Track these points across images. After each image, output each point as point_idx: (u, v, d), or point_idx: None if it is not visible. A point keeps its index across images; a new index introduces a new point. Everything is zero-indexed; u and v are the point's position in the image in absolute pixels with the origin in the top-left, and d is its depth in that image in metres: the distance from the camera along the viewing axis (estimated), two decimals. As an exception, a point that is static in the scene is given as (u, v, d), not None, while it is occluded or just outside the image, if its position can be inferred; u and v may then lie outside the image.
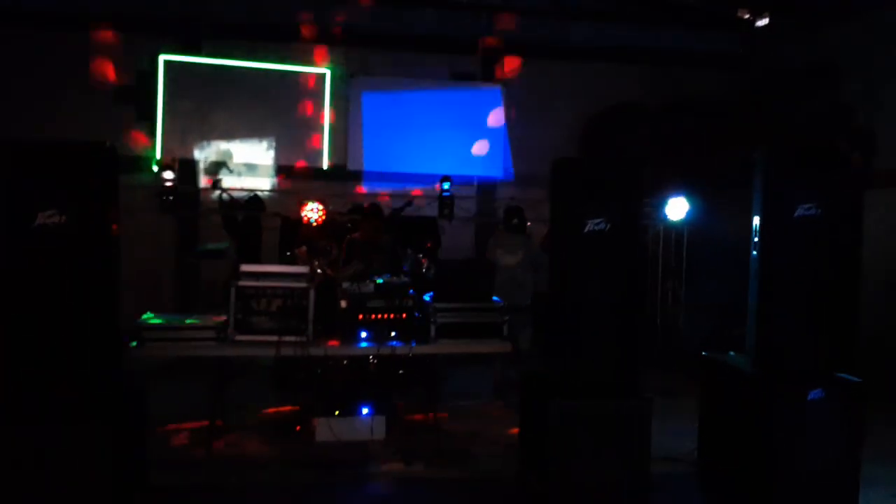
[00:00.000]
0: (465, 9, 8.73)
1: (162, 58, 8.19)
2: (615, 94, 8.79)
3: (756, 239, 4.11)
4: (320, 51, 8.66)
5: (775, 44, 8.61)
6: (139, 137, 8.27)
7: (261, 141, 8.62)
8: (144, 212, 6.71)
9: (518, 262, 6.55)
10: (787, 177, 4.04)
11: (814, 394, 3.95)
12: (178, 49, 8.31)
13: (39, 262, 3.52)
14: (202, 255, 7.83)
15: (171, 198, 6.70)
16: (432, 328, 4.79)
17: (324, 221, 6.38)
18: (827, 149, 6.31)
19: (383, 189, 8.60)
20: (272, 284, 4.60)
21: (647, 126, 8.27)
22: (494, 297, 5.01)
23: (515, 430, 4.59)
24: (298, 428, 5.36)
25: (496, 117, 9.08)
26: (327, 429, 5.09)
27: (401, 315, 4.78)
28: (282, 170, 8.63)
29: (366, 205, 6.76)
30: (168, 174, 6.70)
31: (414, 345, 4.73)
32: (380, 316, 4.75)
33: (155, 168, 7.99)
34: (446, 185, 7.10)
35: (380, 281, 4.89)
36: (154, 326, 4.48)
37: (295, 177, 8.53)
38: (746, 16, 8.36)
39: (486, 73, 9.09)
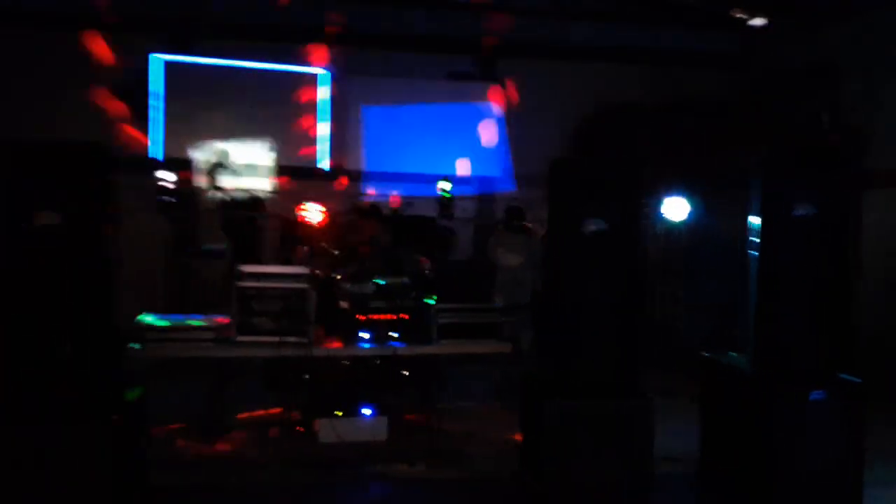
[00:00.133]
0: (464, 8, 8.73)
1: (158, 57, 8.17)
2: (614, 94, 8.79)
3: (755, 239, 4.12)
4: (317, 50, 8.65)
5: (774, 44, 8.63)
6: (136, 137, 8.25)
7: (258, 141, 8.60)
8: (141, 212, 6.71)
9: (521, 262, 6.55)
10: (786, 177, 4.04)
11: (815, 394, 3.94)
12: (175, 49, 8.30)
13: (36, 262, 3.50)
14: (199, 255, 7.82)
15: (168, 198, 6.70)
16: (433, 328, 4.79)
17: (323, 222, 6.37)
18: (825, 149, 6.35)
19: (382, 189, 8.59)
20: (273, 285, 4.60)
21: (646, 126, 8.27)
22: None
23: (515, 431, 4.59)
24: (301, 429, 5.35)
25: (494, 117, 9.07)
26: (330, 429, 5.08)
27: (402, 315, 4.78)
28: (280, 170, 8.62)
29: (365, 205, 6.76)
30: (165, 174, 6.69)
31: (415, 345, 4.73)
32: (381, 316, 4.75)
33: (151, 168, 7.97)
34: (446, 186, 7.11)
35: (380, 282, 4.89)
36: (154, 327, 4.48)
37: (294, 177, 8.51)
38: (741, 15, 8.37)
39: (485, 73, 9.09)
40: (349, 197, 8.20)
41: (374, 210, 6.20)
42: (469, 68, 9.12)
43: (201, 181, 8.35)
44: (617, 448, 3.87)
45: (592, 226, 3.91)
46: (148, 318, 4.59)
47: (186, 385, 5.58)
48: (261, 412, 5.81)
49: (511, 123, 9.09)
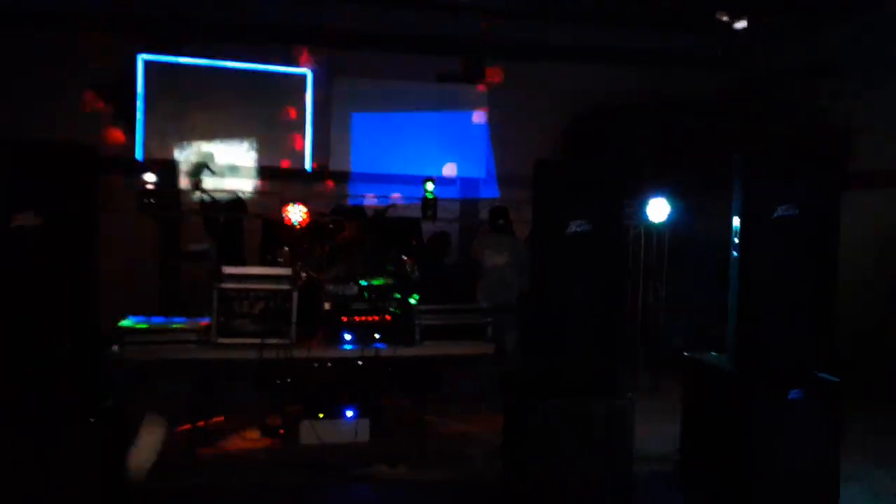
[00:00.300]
0: (449, 9, 8.73)
1: (142, 58, 8.12)
2: (599, 96, 8.83)
3: (736, 239, 4.16)
4: (302, 51, 8.63)
5: (756, 46, 8.70)
6: (119, 138, 8.18)
7: (242, 142, 8.56)
8: (124, 213, 6.64)
9: (506, 263, 6.56)
10: (766, 178, 4.09)
11: (793, 393, 3.99)
12: (159, 49, 8.24)
13: (16, 263, 3.47)
14: (183, 256, 7.77)
15: (151, 199, 6.64)
16: (416, 330, 4.79)
17: (307, 223, 6.34)
18: (806, 150, 6.42)
19: (366, 190, 8.58)
20: (255, 287, 4.57)
21: (629, 127, 8.31)
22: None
23: (500, 432, 4.60)
24: (282, 431, 5.33)
25: (479, 118, 9.09)
26: (311, 431, 5.07)
27: (385, 317, 4.78)
28: (264, 171, 8.58)
29: (349, 206, 6.75)
30: (148, 175, 6.64)
31: (398, 347, 4.72)
32: (364, 318, 4.75)
33: (135, 169, 7.91)
34: (430, 187, 7.10)
35: (363, 283, 4.88)
36: (135, 329, 4.44)
37: (277, 178, 8.48)
38: (725, 19, 8.43)
39: (470, 75, 9.10)
40: (333, 198, 8.19)
41: (358, 211, 6.19)
42: (455, 69, 9.12)
43: (185, 182, 8.30)
44: (599, 447, 3.90)
45: (576, 227, 3.93)
46: (129, 321, 4.55)
47: (171, 387, 5.55)
48: (245, 414, 5.78)
49: (496, 124, 9.10)
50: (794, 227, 4.05)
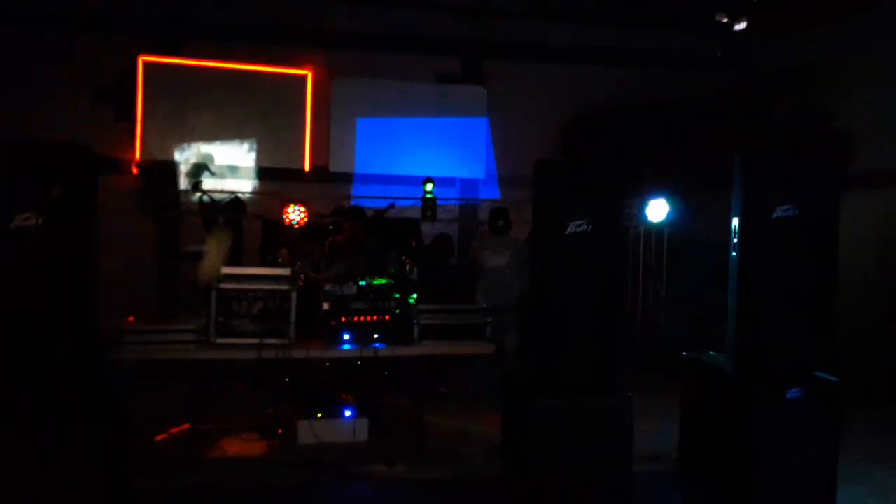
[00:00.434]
0: (448, 10, 8.74)
1: (141, 58, 8.12)
2: (597, 96, 8.84)
3: (735, 239, 4.16)
4: (301, 52, 8.63)
5: (755, 46, 8.70)
6: (118, 139, 8.18)
7: (242, 143, 8.56)
8: (124, 214, 6.65)
9: (506, 263, 6.56)
10: (766, 178, 4.09)
11: (793, 393, 3.99)
12: (158, 50, 8.24)
13: (16, 264, 3.47)
14: (182, 257, 7.77)
15: (150, 200, 6.65)
16: (415, 330, 4.79)
17: (306, 223, 6.35)
18: (806, 150, 6.42)
19: (366, 191, 8.58)
20: (254, 287, 4.58)
21: (629, 127, 8.32)
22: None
23: (498, 431, 4.60)
24: (281, 431, 5.33)
25: (478, 118, 9.09)
26: (309, 431, 5.07)
27: (384, 317, 4.78)
28: (263, 172, 8.58)
29: (348, 206, 6.75)
30: (150, 176, 6.65)
31: (397, 347, 4.72)
32: (362, 318, 4.75)
33: (134, 170, 7.91)
34: (429, 187, 7.11)
35: (362, 283, 4.88)
36: (134, 329, 4.44)
37: (276, 179, 8.48)
38: (725, 19, 8.44)
39: (469, 75, 9.10)
40: (332, 199, 8.19)
41: (358, 212, 6.19)
42: (455, 70, 9.13)
43: (185, 183, 8.30)
44: (598, 446, 3.90)
45: (576, 227, 3.93)
46: (128, 322, 4.56)
47: (171, 387, 5.55)
48: (243, 414, 5.78)
49: (495, 125, 9.11)
50: (794, 227, 4.05)
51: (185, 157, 8.35)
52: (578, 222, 3.93)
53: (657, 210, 7.37)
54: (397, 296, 4.91)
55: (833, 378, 4.12)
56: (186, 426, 5.16)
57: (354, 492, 4.56)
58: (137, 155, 8.07)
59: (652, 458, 4.91)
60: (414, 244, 7.00)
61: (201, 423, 5.22)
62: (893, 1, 7.29)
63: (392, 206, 7.28)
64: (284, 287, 4.59)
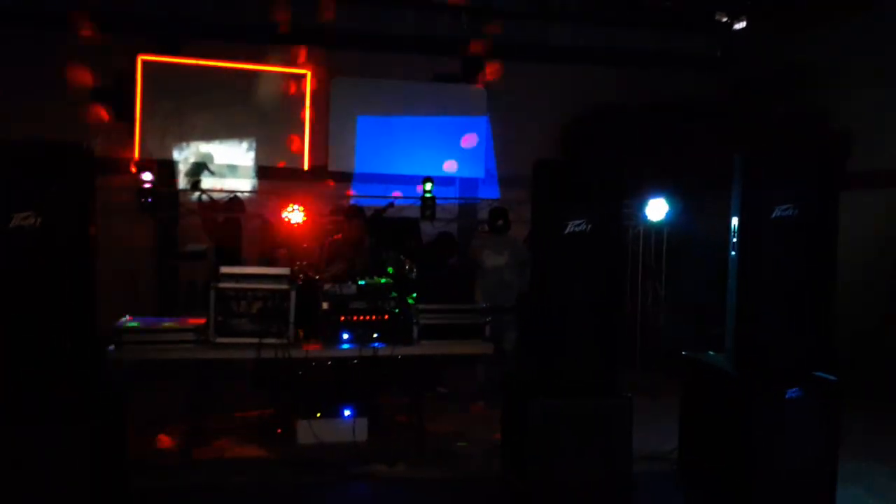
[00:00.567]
0: (447, 10, 8.74)
1: (140, 58, 8.12)
2: (597, 95, 8.84)
3: (735, 239, 4.16)
4: (301, 51, 8.63)
5: (755, 46, 8.70)
6: (117, 138, 8.18)
7: (241, 142, 8.56)
8: (123, 213, 6.65)
9: (506, 263, 6.56)
10: (765, 178, 4.08)
11: (791, 392, 3.99)
12: (157, 49, 8.24)
13: (14, 264, 3.46)
14: (181, 257, 7.78)
15: (149, 199, 6.65)
16: (415, 329, 4.79)
17: (305, 223, 6.35)
18: (806, 150, 6.41)
19: (365, 190, 8.58)
20: (253, 286, 4.57)
21: (628, 127, 8.31)
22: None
23: (498, 430, 4.60)
24: (280, 430, 5.33)
25: (477, 118, 9.09)
26: (309, 431, 5.07)
27: (383, 317, 4.77)
28: (262, 171, 8.58)
29: (347, 206, 6.75)
30: (146, 175, 6.65)
31: (396, 346, 4.72)
32: (362, 317, 4.74)
33: (133, 169, 7.91)
34: (428, 186, 7.11)
35: (362, 282, 4.88)
36: (133, 329, 4.44)
37: (275, 178, 8.48)
38: (725, 19, 8.44)
39: (469, 75, 9.10)
40: (332, 198, 8.19)
41: (357, 211, 6.18)
42: (455, 69, 9.12)
43: (184, 182, 8.31)
44: (598, 446, 3.90)
45: (575, 226, 3.93)
46: (126, 322, 4.55)
47: (171, 387, 5.55)
48: (243, 413, 5.79)
49: (495, 125, 9.10)
50: (794, 227, 4.05)
51: (185, 156, 8.35)
52: (578, 222, 3.93)
53: (657, 210, 7.36)
54: (395, 295, 4.91)
55: (832, 378, 4.12)
56: (186, 426, 5.16)
57: (354, 492, 4.55)
58: (137, 155, 8.07)
59: (652, 458, 4.91)
60: (413, 244, 7.00)
61: (201, 423, 5.22)
62: (893, 1, 7.28)
63: (391, 205, 7.29)
64: (284, 287, 4.59)
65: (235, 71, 8.39)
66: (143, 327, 4.48)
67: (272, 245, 6.39)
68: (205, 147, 8.40)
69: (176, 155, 8.31)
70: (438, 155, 8.97)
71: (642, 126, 8.24)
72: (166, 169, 8.11)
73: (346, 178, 8.80)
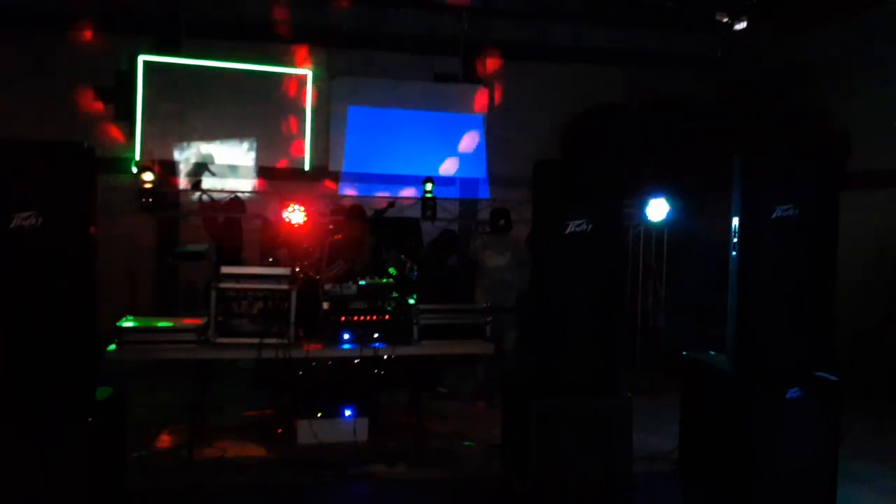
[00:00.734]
0: (448, 10, 8.74)
1: (141, 58, 8.13)
2: (597, 95, 8.84)
3: (735, 240, 4.16)
4: (302, 51, 8.64)
5: (755, 46, 8.71)
6: (118, 138, 8.19)
7: (241, 142, 8.57)
8: (123, 213, 6.65)
9: (506, 263, 6.56)
10: (765, 178, 4.09)
11: (791, 392, 3.99)
12: (158, 49, 8.25)
13: (14, 264, 3.46)
14: (182, 256, 7.77)
15: (150, 199, 6.64)
16: (415, 329, 4.78)
17: (305, 223, 6.35)
18: (806, 150, 6.42)
19: (365, 191, 8.59)
20: (253, 286, 4.56)
21: (629, 127, 8.32)
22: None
23: (498, 431, 4.60)
24: (280, 430, 5.33)
25: (479, 118, 9.09)
26: (309, 431, 5.07)
27: (383, 316, 4.77)
28: (263, 171, 8.58)
29: (348, 206, 6.74)
30: (147, 175, 6.65)
31: (397, 346, 4.72)
32: (362, 317, 4.74)
33: (134, 169, 7.91)
34: (429, 187, 7.10)
35: (362, 282, 4.87)
36: (133, 329, 4.44)
37: (276, 178, 8.49)
38: (725, 19, 8.45)
39: (469, 74, 9.11)
40: (333, 198, 8.20)
41: (358, 211, 6.17)
42: (455, 69, 9.13)
43: (185, 183, 8.31)
44: (598, 446, 3.90)
45: (575, 227, 3.93)
46: (126, 321, 4.55)
47: (171, 386, 5.56)
48: (243, 414, 5.79)
49: (495, 124, 9.11)
50: (794, 227, 4.05)
51: (185, 156, 8.35)
52: (578, 222, 3.93)
53: (657, 210, 7.37)
54: (395, 295, 4.91)
55: (833, 378, 4.12)
56: (186, 426, 5.15)
57: (354, 492, 4.55)
58: (137, 154, 8.08)
59: (652, 458, 4.91)
60: (414, 244, 6.99)
61: (201, 423, 5.21)
62: (893, 1, 7.28)
63: (392, 205, 7.28)
64: (284, 287, 4.58)
65: (237, 71, 8.39)
66: (144, 327, 4.48)
67: (273, 245, 6.38)
68: (205, 147, 8.41)
69: (176, 155, 8.31)
70: (438, 155, 8.97)
71: (642, 126, 8.24)
72: (167, 169, 8.11)
73: (346, 178, 8.80)
